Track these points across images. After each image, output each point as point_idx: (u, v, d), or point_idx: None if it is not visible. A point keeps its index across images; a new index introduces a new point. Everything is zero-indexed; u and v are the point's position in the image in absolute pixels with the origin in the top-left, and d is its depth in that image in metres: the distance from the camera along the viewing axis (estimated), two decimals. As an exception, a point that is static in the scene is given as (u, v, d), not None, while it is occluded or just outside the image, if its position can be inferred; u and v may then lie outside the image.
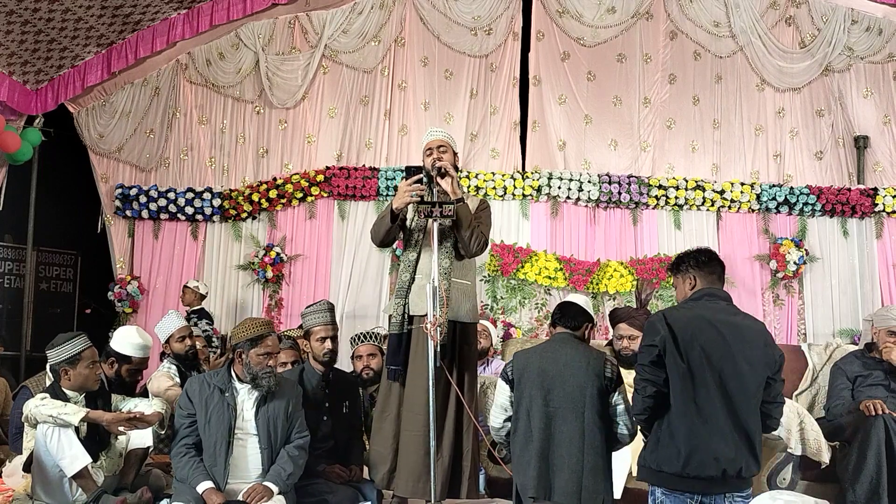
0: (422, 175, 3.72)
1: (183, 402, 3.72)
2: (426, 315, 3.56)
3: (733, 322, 2.95)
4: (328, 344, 4.08)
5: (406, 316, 3.81)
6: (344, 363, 5.56)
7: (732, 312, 3.02)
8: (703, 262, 3.13)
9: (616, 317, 4.46)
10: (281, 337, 4.57)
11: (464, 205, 3.75)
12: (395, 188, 7.27)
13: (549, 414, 3.27)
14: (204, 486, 3.49)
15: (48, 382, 4.09)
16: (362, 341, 4.77)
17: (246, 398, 3.70)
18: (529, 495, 3.25)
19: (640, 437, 3.26)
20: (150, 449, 4.03)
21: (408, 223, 3.92)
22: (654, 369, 2.92)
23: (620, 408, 3.30)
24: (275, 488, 3.54)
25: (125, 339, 4.37)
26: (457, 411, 3.75)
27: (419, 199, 3.69)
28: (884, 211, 7.61)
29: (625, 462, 3.86)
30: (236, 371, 3.72)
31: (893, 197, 7.59)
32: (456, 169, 3.93)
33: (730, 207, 7.60)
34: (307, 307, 4.26)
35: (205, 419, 3.64)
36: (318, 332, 4.09)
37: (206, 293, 7.13)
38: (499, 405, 3.48)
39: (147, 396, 4.38)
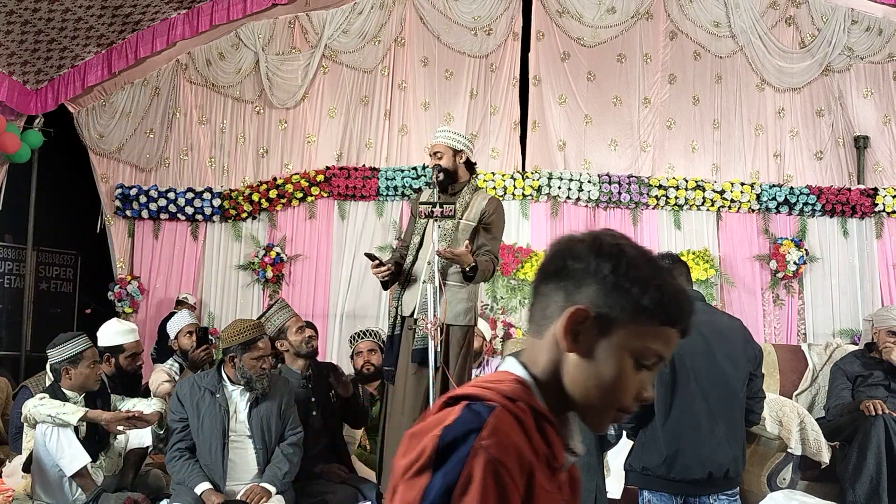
0: (378, 260, 3.77)
1: (174, 405, 3.68)
2: (413, 314, 3.61)
3: (711, 322, 2.95)
4: (308, 332, 4.08)
5: (399, 318, 3.81)
6: (344, 363, 5.56)
7: (709, 312, 3.04)
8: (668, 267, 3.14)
9: None
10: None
11: (475, 266, 3.68)
12: (395, 188, 7.31)
13: None
14: (202, 487, 3.49)
15: (48, 382, 4.10)
16: (362, 338, 4.78)
17: (238, 399, 3.68)
18: None
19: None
20: (150, 449, 4.03)
21: (404, 266, 3.88)
22: None
23: None
24: (272, 489, 3.54)
25: (109, 331, 4.40)
26: None
27: (390, 272, 3.74)
28: (884, 211, 7.59)
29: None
30: (227, 373, 3.69)
31: (893, 197, 7.58)
32: (468, 163, 3.92)
33: (730, 207, 7.59)
34: (262, 315, 4.22)
35: (198, 422, 3.61)
36: (293, 325, 4.07)
37: (182, 299, 6.94)
38: None
39: (148, 396, 4.39)
